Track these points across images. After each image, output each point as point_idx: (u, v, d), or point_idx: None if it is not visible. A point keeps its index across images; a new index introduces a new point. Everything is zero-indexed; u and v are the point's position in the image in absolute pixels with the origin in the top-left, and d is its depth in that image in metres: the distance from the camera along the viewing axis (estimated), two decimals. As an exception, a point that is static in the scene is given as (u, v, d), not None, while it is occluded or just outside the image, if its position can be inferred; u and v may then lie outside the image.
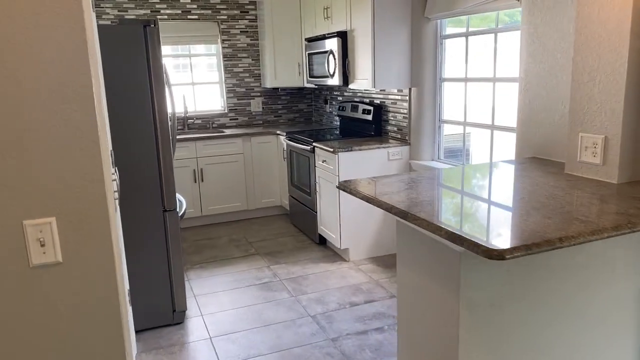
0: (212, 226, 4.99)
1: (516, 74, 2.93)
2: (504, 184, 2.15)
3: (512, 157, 3.48)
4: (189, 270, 3.88)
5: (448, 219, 1.69)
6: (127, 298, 2.42)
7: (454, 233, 1.56)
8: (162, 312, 3.03)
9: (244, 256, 4.14)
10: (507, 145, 3.60)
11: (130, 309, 2.52)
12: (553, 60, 2.61)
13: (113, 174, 2.27)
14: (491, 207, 1.82)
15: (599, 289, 2.02)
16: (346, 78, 4.14)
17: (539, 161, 2.63)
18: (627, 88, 2.04)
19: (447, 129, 3.87)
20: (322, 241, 4.32)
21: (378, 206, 1.99)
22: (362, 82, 3.93)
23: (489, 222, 1.66)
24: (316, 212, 4.26)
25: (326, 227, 4.11)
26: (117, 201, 2.16)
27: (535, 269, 1.88)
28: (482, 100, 3.41)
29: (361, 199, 2.11)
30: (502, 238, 1.49)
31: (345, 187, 2.24)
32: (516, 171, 2.39)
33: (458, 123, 3.65)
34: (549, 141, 2.68)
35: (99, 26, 2.55)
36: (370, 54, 3.74)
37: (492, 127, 3.29)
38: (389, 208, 1.91)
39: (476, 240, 1.48)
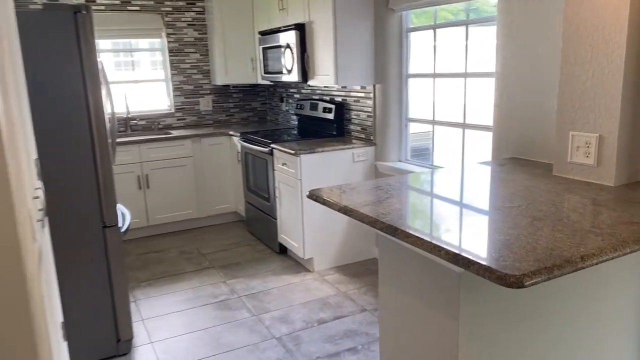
0: (160, 237, 4.58)
1: (491, 68, 2.73)
2: (491, 189, 1.92)
3: (486, 157, 3.30)
4: (134, 290, 3.47)
5: (444, 235, 1.43)
6: (61, 332, 2.03)
7: (458, 254, 1.31)
8: (105, 343, 2.64)
9: (197, 270, 3.77)
10: (478, 145, 3.42)
11: (65, 345, 2.13)
12: (533, 53, 2.42)
13: (38, 188, 1.88)
14: (488, 218, 1.58)
15: (601, 307, 1.84)
16: (305, 74, 3.85)
17: (520, 162, 2.44)
18: (625, 81, 1.86)
19: (411, 127, 3.65)
20: (283, 250, 4.02)
21: (359, 220, 1.71)
22: (323, 79, 3.65)
23: (491, 237, 1.42)
24: (276, 219, 3.94)
25: (288, 236, 3.80)
26: (42, 221, 1.78)
27: (541, 287, 1.66)
28: (452, 98, 3.21)
29: (338, 210, 1.83)
30: (515, 259, 1.24)
31: (318, 197, 1.95)
32: (499, 174, 2.18)
33: (426, 122, 3.44)
34: (530, 140, 2.50)
35: (20, 12, 2.14)
36: (331, 48, 3.47)
37: (464, 125, 3.09)
38: (372, 222, 1.64)
39: (487, 264, 1.23)
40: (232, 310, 3.12)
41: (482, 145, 3.67)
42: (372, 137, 3.74)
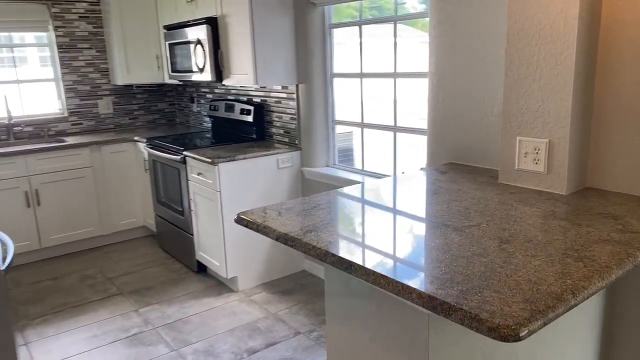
0: (56, 261, 3.99)
1: (424, 68, 2.57)
2: (442, 203, 1.73)
3: (420, 161, 3.15)
4: (25, 330, 2.94)
5: (408, 271, 1.20)
6: None
7: (435, 299, 1.08)
8: (-15, 408, 2.14)
9: (102, 299, 3.29)
10: (410, 148, 3.28)
11: None
12: (470, 52, 2.28)
13: None
14: (452, 244, 1.38)
15: (567, 350, 1.72)
16: (220, 73, 3.49)
17: (461, 168, 2.29)
18: (575, 83, 1.74)
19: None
20: (202, 269, 3.64)
21: (304, 251, 1.44)
22: (240, 78, 3.32)
23: (463, 270, 1.21)
24: (192, 235, 3.55)
25: (207, 253, 3.44)
26: None
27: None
28: (383, 99, 3.02)
29: (276, 239, 1.54)
30: (501, 301, 1.03)
31: (250, 223, 1.65)
32: (444, 183, 2.01)
33: (354, 124, 3.23)
34: (469, 145, 2.36)
35: None
36: (249, 45, 3.15)
37: (395, 128, 2.92)
38: (321, 255, 1.37)
39: (474, 312, 1.01)
40: (147, 345, 2.72)
41: (415, 149, 3.54)
42: (296, 141, 3.47)
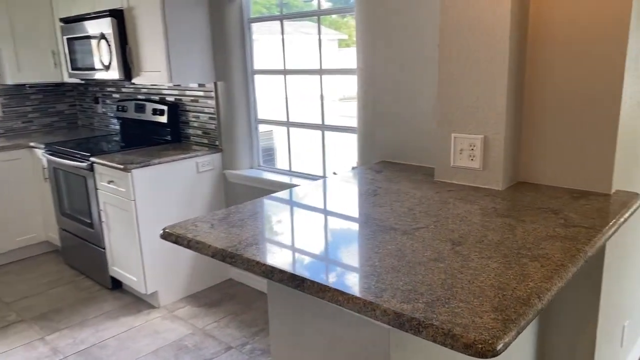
0: (-61, 287, 3.46)
1: (353, 65, 2.50)
2: (385, 205, 1.65)
3: (349, 160, 3.10)
4: None
5: (364, 282, 1.10)
6: None
7: (403, 315, 0.99)
8: None
9: (1, 328, 2.88)
10: (337, 146, 3.20)
11: None
12: (399, 47, 2.24)
13: None
14: (404, 248, 1.30)
15: None
16: (129, 70, 3.19)
17: (395, 167, 2.25)
18: (509, 79, 1.75)
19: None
20: (117, 285, 3.32)
21: (248, 269, 1.29)
22: (152, 76, 3.05)
23: (424, 279, 1.13)
24: (104, 249, 3.23)
25: (122, 268, 3.14)
26: None
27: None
28: (310, 97, 2.92)
29: (212, 256, 1.38)
30: (471, 312, 0.97)
31: (180, 238, 1.47)
32: (382, 183, 1.94)
33: (279, 123, 3.10)
34: (401, 143, 2.32)
35: None
36: (162, 40, 2.90)
37: (323, 127, 2.83)
38: (267, 272, 1.24)
39: (447, 328, 0.93)
40: (58, 378, 2.41)
41: (343, 147, 3.48)
42: (217, 142, 3.27)
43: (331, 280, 1.14)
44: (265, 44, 3.13)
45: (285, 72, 2.96)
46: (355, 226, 1.48)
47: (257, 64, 3.10)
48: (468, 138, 1.86)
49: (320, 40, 2.72)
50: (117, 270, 3.17)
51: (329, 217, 1.58)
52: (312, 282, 1.14)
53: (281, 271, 1.21)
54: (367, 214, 1.59)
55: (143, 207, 2.91)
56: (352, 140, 3.16)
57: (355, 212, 1.62)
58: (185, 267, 3.18)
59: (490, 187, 1.84)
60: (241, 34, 3.05)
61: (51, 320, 2.94)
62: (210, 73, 3.13)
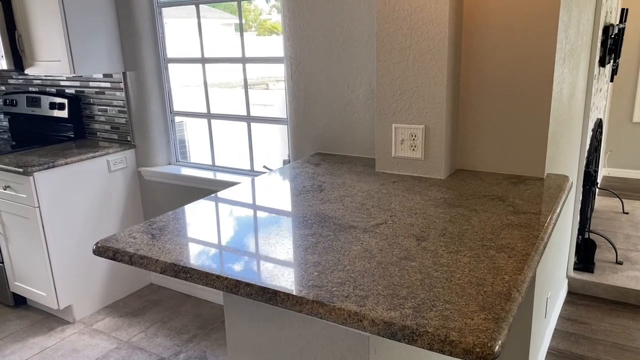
0: None
1: (280, 53, 2.40)
2: (335, 201, 1.60)
3: (276, 152, 3.01)
4: None
5: (341, 290, 1.04)
6: None
7: (393, 324, 0.94)
8: None
9: None
10: (263, 138, 3.08)
11: None
12: (331, 35, 2.17)
13: None
14: (372, 248, 1.26)
15: None
16: (19, 60, 2.81)
17: (330, 159, 2.20)
18: (448, 67, 1.76)
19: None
20: (20, 301, 2.96)
21: (205, 283, 1.17)
22: (50, 66, 2.71)
23: (403, 281, 1.09)
24: (2, 263, 2.85)
25: (26, 283, 2.79)
26: None
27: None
28: (231, 91, 2.77)
29: (162, 272, 1.24)
30: (460, 313, 0.94)
31: (118, 253, 1.30)
32: (324, 177, 1.88)
33: (199, 115, 2.91)
34: (335, 134, 2.27)
35: None
36: (59, 26, 2.57)
37: (249, 118, 2.70)
38: (231, 286, 1.13)
39: (444, 334, 0.90)
40: (-40, 418, 2.09)
41: (264, 138, 3.36)
42: (129, 138, 3.00)
43: (305, 290, 1.06)
44: (175, 29, 2.92)
45: (203, 60, 2.78)
46: (312, 226, 1.41)
47: (170, 52, 2.87)
48: (409, 128, 1.85)
49: (242, 25, 2.57)
50: (21, 285, 2.82)
51: (281, 217, 1.49)
52: (287, 294, 1.05)
53: (248, 284, 1.11)
54: (320, 212, 1.52)
55: (49, 213, 2.60)
56: (275, 131, 3.07)
57: (307, 211, 1.54)
58: (101, 275, 2.91)
59: (432, 176, 1.86)
60: (151, 19, 2.80)
61: (-58, 351, 2.55)
62: (118, 62, 2.85)
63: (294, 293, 1.05)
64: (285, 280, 1.11)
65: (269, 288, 1.08)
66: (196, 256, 1.24)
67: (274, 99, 3.76)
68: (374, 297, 1.03)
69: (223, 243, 1.32)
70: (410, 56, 1.79)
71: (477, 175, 1.85)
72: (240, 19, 2.57)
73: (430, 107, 1.80)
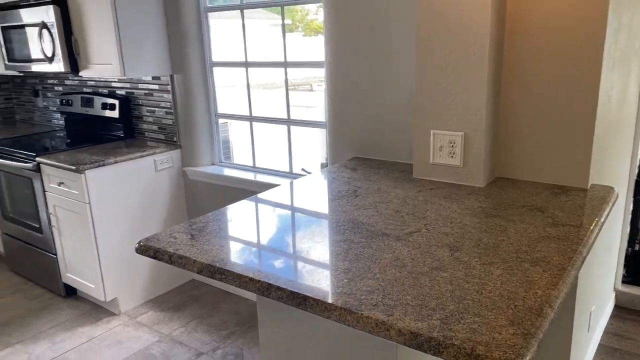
0: None
1: (320, 57, 2.42)
2: (369, 207, 1.60)
3: (314, 155, 3.04)
4: None
5: (369, 298, 1.04)
6: None
7: (421, 335, 0.94)
8: None
9: (-59, 348, 2.64)
10: (304, 141, 3.12)
11: None
12: (371, 40, 2.18)
13: None
14: (403, 257, 1.26)
15: None
16: (75, 63, 2.96)
17: (367, 163, 2.20)
18: (489, 74, 1.73)
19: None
20: (71, 291, 3.12)
21: (239, 285, 1.21)
22: (103, 69, 2.84)
23: (431, 291, 1.09)
24: (55, 255, 3.02)
25: (77, 275, 2.94)
26: None
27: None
28: (273, 92, 2.82)
29: (199, 272, 1.28)
30: (489, 327, 0.93)
31: (160, 252, 1.36)
32: (360, 182, 1.89)
33: (242, 118, 2.97)
34: (373, 138, 2.28)
35: None
36: (112, 31, 2.69)
37: (289, 121, 2.74)
38: (263, 289, 1.16)
39: (470, 347, 0.90)
40: (14, 400, 2.23)
41: (307, 141, 3.40)
42: (175, 138, 3.11)
43: (334, 297, 1.08)
44: (221, 30, 2.99)
45: (247, 64, 2.84)
46: (345, 232, 1.43)
47: (216, 56, 2.95)
48: (448, 135, 1.84)
49: (284, 29, 2.62)
50: (72, 277, 2.97)
51: (314, 222, 1.52)
52: (316, 300, 1.08)
53: (279, 289, 1.14)
54: (354, 218, 1.54)
55: (98, 209, 2.73)
56: (315, 134, 3.10)
57: (340, 216, 1.56)
58: (146, 271, 3.03)
59: (471, 184, 1.83)
60: (198, 24, 2.89)
61: (1, 335, 2.72)
62: (166, 65, 2.95)
63: (323, 299, 1.07)
64: (315, 285, 1.13)
65: (299, 293, 1.10)
66: (232, 258, 1.28)
67: (317, 100, 3.79)
68: (403, 307, 1.03)
69: (258, 245, 1.36)
70: (450, 63, 1.77)
71: (516, 184, 1.82)
72: (283, 22, 2.61)
73: (469, 114, 1.78)
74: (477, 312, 1.01)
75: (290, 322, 1.37)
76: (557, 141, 1.76)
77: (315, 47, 2.87)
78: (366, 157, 2.31)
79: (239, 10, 2.77)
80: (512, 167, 1.88)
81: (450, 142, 1.84)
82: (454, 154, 1.84)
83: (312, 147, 3.18)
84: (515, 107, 1.83)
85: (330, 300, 1.07)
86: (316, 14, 3.03)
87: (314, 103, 3.86)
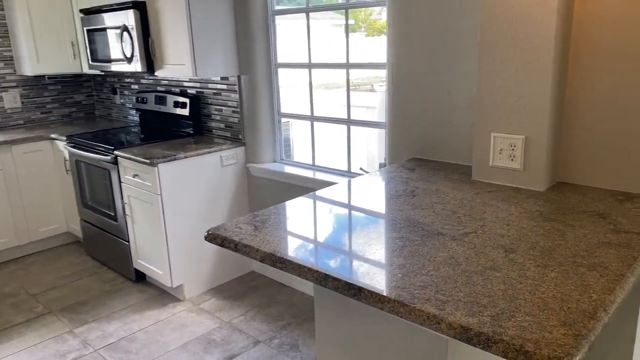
0: (-35, 278, 3.50)
1: (382, 59, 2.47)
2: (426, 206, 1.64)
3: (371, 154, 3.08)
4: (-63, 366, 2.53)
5: (426, 295, 1.08)
6: None
7: (471, 330, 0.98)
8: None
9: (29, 320, 2.91)
10: (359, 141, 3.19)
11: None
12: (433, 42, 2.21)
13: None
14: (456, 254, 1.29)
15: None
16: (151, 63, 3.17)
17: (426, 164, 2.23)
18: (554, 77, 1.72)
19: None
20: (141, 277, 3.34)
21: (298, 274, 1.28)
22: (176, 69, 3.03)
23: (481, 288, 1.12)
24: (128, 242, 3.24)
25: (147, 261, 3.15)
26: None
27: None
28: (334, 92, 2.89)
29: (261, 260, 1.38)
30: (539, 326, 0.95)
31: (225, 240, 1.47)
32: (417, 182, 1.92)
33: (303, 117, 3.07)
34: (433, 139, 2.30)
35: None
36: (185, 33, 2.87)
37: (349, 122, 2.80)
38: (321, 279, 1.23)
39: (519, 343, 0.93)
40: (90, 372, 2.43)
41: (363, 140, 3.45)
42: (240, 136, 3.25)
43: (388, 290, 1.13)
44: (286, 31, 3.10)
45: (310, 65, 2.93)
46: (401, 230, 1.47)
47: (280, 57, 3.07)
48: (508, 138, 1.84)
49: (347, 31, 2.68)
50: (142, 263, 3.19)
51: (371, 219, 1.57)
52: (370, 292, 1.14)
53: (335, 279, 1.20)
54: (410, 217, 1.58)
55: (168, 201, 2.91)
56: (374, 134, 3.15)
57: (397, 215, 1.60)
58: (209, 260, 3.20)
59: (530, 188, 1.82)
60: (265, 26, 3.01)
61: (78, 313, 2.97)
62: (234, 66, 3.10)
63: (377, 291, 1.13)
64: (370, 278, 1.19)
65: (354, 284, 1.17)
66: (291, 248, 1.37)
67: (376, 101, 3.83)
68: (454, 303, 1.07)
69: (316, 238, 1.44)
70: (513, 66, 1.77)
71: (579, 190, 1.79)
72: (347, 24, 2.68)
73: (531, 118, 1.77)
74: (528, 312, 1.03)
75: (346, 316, 1.44)
76: (624, 146, 1.72)
77: (377, 48, 2.92)
78: (425, 158, 2.33)
79: (307, 18, 2.87)
80: (575, 172, 1.85)
81: (511, 145, 1.84)
82: (514, 157, 1.84)
83: (371, 147, 3.23)
84: (581, 111, 1.80)
85: (384, 293, 1.12)
86: (379, 13, 3.07)
87: (373, 103, 3.90)
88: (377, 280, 1.18)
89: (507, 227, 1.47)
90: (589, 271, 1.19)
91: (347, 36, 2.69)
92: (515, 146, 1.83)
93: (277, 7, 3.00)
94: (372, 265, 1.26)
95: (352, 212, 1.67)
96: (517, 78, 1.77)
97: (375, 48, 2.88)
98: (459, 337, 1.00)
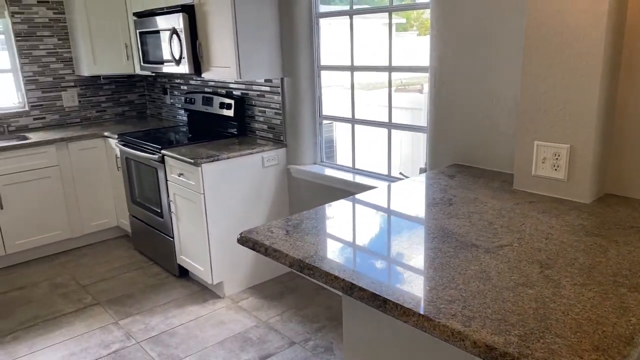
0: (22, 267, 3.71)
1: (425, 62, 2.43)
2: (462, 216, 1.59)
3: (412, 158, 3.04)
4: (-6, 348, 2.70)
5: (452, 309, 1.05)
6: None
7: (496, 350, 0.95)
8: None
9: (78, 310, 3.06)
10: (401, 145, 3.15)
11: None
12: (477, 48, 2.15)
13: None
14: (490, 270, 1.25)
15: None
16: (198, 65, 3.26)
17: (468, 172, 2.17)
18: (602, 84, 1.63)
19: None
20: (184, 272, 3.44)
21: (325, 282, 1.28)
22: (221, 71, 3.10)
23: (513, 306, 1.08)
24: (172, 238, 3.35)
25: (190, 257, 3.24)
26: None
27: None
28: (375, 95, 2.87)
29: (290, 266, 1.39)
30: (570, 350, 0.91)
31: (257, 244, 1.48)
32: (456, 190, 1.88)
33: (344, 120, 3.07)
34: (475, 146, 2.24)
35: None
36: (231, 36, 2.93)
37: (390, 125, 2.77)
38: (346, 288, 1.23)
39: (544, 366, 0.89)
40: (131, 363, 2.53)
41: (406, 146, 3.41)
42: (282, 137, 3.29)
43: (414, 302, 1.11)
44: (329, 32, 3.10)
45: (352, 68, 2.92)
46: (434, 240, 1.45)
47: (323, 59, 3.07)
48: (552, 147, 1.77)
49: (390, 35, 2.66)
50: (185, 259, 3.28)
51: (404, 228, 1.55)
52: (395, 304, 1.12)
53: (361, 289, 1.19)
54: (444, 226, 1.55)
55: (211, 200, 2.98)
56: (417, 137, 3.09)
57: (431, 224, 1.57)
58: (249, 260, 3.25)
59: (575, 199, 1.74)
60: (309, 29, 3.03)
61: (124, 305, 3.09)
62: (278, 69, 3.13)
63: (403, 304, 1.11)
64: (397, 290, 1.17)
65: (380, 295, 1.15)
66: (320, 255, 1.37)
67: (423, 102, 3.77)
68: (481, 320, 1.04)
69: (347, 246, 1.43)
70: (559, 72, 1.70)
71: (628, 203, 1.70)
72: (390, 27, 2.65)
73: (577, 126, 1.69)
74: (559, 333, 0.99)
75: (373, 323, 1.43)
76: (679, 159, 1.61)
77: (428, 48, 2.87)
78: (466, 165, 2.28)
79: (351, 21, 2.86)
80: (626, 184, 1.76)
81: (555, 155, 1.77)
82: (558, 166, 1.77)
83: (414, 151, 3.19)
84: (633, 119, 1.70)
85: (409, 306, 1.10)
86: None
87: (420, 105, 3.84)
88: (403, 292, 1.16)
89: (545, 241, 1.41)
90: (630, 292, 1.13)
91: (390, 39, 2.66)
92: (559, 155, 1.75)
93: (322, 10, 3.01)
94: (400, 276, 1.25)
95: (387, 220, 1.65)
96: (563, 84, 1.70)
97: (426, 48, 2.84)
98: (483, 356, 0.97)
